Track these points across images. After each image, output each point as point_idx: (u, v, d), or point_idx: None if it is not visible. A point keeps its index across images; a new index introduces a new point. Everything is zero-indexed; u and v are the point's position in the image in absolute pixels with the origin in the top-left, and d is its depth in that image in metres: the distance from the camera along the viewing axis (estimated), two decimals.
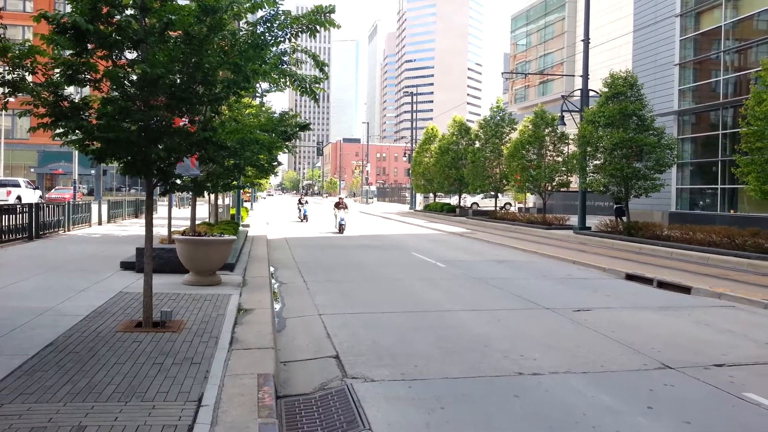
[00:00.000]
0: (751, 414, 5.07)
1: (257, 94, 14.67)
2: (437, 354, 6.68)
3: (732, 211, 25.27)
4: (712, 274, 13.39)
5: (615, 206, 24.90)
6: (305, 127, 14.41)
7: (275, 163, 18.90)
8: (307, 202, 33.50)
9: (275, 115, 15.18)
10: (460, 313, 8.87)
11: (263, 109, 15.94)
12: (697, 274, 13.12)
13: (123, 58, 6.53)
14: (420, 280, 12.02)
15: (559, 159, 28.82)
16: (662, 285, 11.81)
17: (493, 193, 36.60)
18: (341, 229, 24.35)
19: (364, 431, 4.55)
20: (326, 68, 8.48)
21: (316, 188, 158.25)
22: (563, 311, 9.15)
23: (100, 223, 22.59)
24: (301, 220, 31.82)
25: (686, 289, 11.18)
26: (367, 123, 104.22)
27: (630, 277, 12.82)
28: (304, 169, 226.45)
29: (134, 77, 6.44)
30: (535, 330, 7.91)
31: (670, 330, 8.07)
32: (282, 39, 6.93)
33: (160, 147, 6.52)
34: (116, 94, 6.55)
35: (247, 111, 14.79)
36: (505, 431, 4.60)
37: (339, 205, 25.79)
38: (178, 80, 6.53)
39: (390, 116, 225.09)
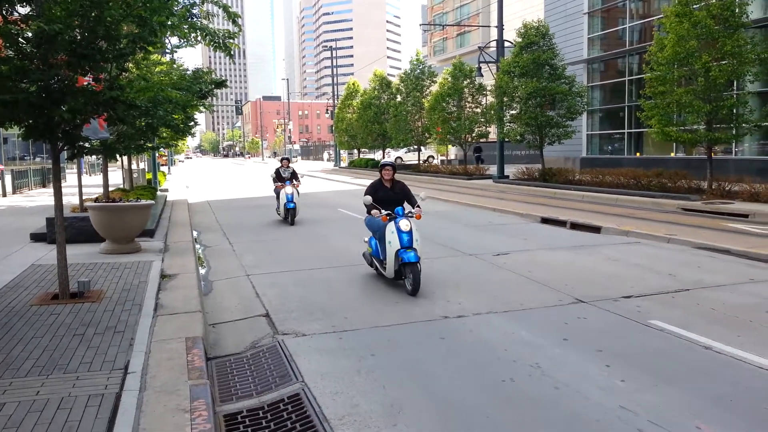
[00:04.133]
0: (656, 338, 5.54)
1: (167, 51, 13.95)
2: (366, 305, 6.83)
3: (638, 154, 26.80)
4: (621, 213, 14.27)
5: (475, 155, 27.29)
6: (221, 84, 13.91)
7: (191, 123, 18.18)
8: (294, 177, 14.59)
9: (188, 72, 14.52)
10: None
11: (175, 66, 15.20)
12: (606, 215, 13.94)
13: (15, 13, 6.02)
14: (348, 236, 12.10)
15: (478, 110, 29.35)
16: (575, 226, 12.51)
17: (416, 146, 36.95)
18: (409, 278, 7.14)
19: (298, 383, 4.63)
20: (239, 20, 8.16)
21: (237, 149, 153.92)
22: (484, 256, 9.53)
23: (4, 194, 21.10)
24: (285, 218, 14.21)
25: (596, 229, 11.90)
26: (287, 79, 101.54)
27: (545, 221, 13.47)
28: (223, 129, 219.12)
29: (30, 34, 5.96)
30: (460, 276, 8.21)
31: (582, 267, 8.60)
32: None
33: (64, 108, 6.12)
34: (11, 53, 6.04)
35: (157, 69, 14.07)
36: (432, 370, 4.82)
37: (383, 188, 7.96)
38: (79, 36, 6.10)
39: (310, 72, 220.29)
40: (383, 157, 43.62)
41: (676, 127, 16.87)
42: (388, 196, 7.82)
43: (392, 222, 7.35)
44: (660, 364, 4.87)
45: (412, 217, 7.50)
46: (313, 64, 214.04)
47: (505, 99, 23.57)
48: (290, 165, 15.18)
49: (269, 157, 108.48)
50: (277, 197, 14.63)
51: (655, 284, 7.48)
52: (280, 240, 11.81)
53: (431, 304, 6.74)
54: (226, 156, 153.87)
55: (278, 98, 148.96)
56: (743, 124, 16.12)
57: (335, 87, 56.60)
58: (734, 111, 16.08)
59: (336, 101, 52.78)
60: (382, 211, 7.50)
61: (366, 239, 8.41)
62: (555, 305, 6.64)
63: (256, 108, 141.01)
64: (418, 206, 7.74)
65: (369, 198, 7.62)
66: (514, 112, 23.58)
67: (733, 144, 20.81)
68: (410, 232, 7.22)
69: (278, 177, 14.69)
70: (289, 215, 13.72)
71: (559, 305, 6.63)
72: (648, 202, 16.03)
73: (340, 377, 4.71)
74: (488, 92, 28.54)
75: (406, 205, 7.77)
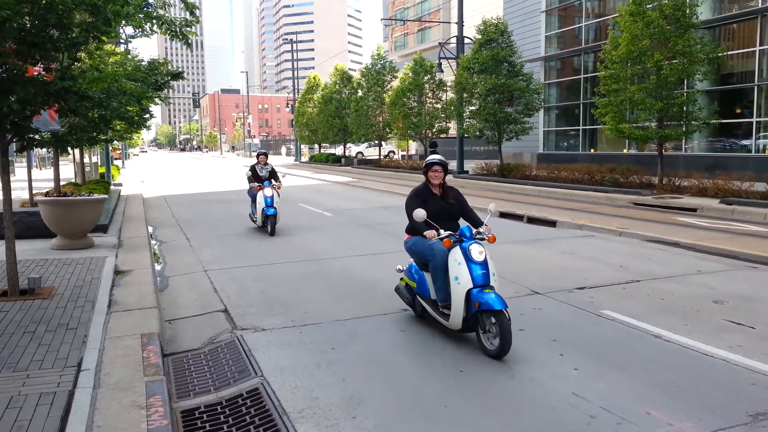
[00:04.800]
0: (608, 328, 5.72)
1: (121, 41, 13.59)
2: (327, 299, 6.83)
3: (592, 150, 27.47)
4: (575, 208, 14.63)
5: (430, 149, 28.31)
6: (178, 75, 13.65)
7: (147, 116, 17.75)
8: (274, 176, 12.24)
9: (143, 63, 14.18)
10: (348, 259, 9.06)
11: (129, 57, 14.82)
12: (561, 209, 14.27)
13: None
14: (308, 231, 12.05)
15: (438, 106, 29.59)
16: (531, 220, 12.79)
17: (377, 141, 37.00)
18: (491, 332, 4.98)
19: (257, 378, 4.60)
20: (197, 11, 8.01)
21: (194, 143, 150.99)
22: None
23: None
24: (262, 226, 11.71)
25: (552, 223, 12.19)
26: (246, 72, 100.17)
27: (503, 215, 13.71)
28: (180, 122, 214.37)
29: None
30: None
31: (538, 260, 8.79)
32: None
33: (13, 99, 5.90)
34: None
35: (111, 59, 13.70)
36: (392, 362, 4.86)
37: (432, 196, 5.82)
38: (29, 24, 5.88)
39: (270, 65, 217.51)
40: (344, 152, 43.43)
41: (628, 124, 17.37)
42: (441, 208, 5.60)
43: (458, 247, 5.11)
44: (612, 352, 5.03)
45: (484, 240, 5.28)
46: (273, 57, 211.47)
47: (465, 95, 23.84)
48: (268, 162, 12.66)
49: (228, 151, 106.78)
50: (253, 201, 11.99)
51: (607, 276, 7.70)
52: (239, 235, 11.67)
53: (391, 297, 6.77)
54: (183, 150, 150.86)
55: (237, 91, 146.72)
56: (692, 122, 16.73)
57: (296, 81, 56.10)
58: (684, 109, 16.66)
59: (296, 95, 52.31)
60: (442, 231, 5.26)
61: (401, 267, 6.20)
62: (512, 297, 6.76)
63: (214, 101, 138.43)
64: (485, 224, 5.51)
65: (422, 213, 5.20)
66: (473, 108, 23.87)
67: (683, 141, 21.58)
68: (485, 264, 5.03)
69: (254, 176, 12.13)
70: (269, 223, 11.33)
71: (515, 297, 6.77)
72: (601, 197, 16.47)
73: (300, 371, 4.70)
74: (448, 88, 28.81)
75: (463, 221, 5.71)
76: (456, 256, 5.09)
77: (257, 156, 12.68)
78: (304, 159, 52.39)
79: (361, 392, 4.29)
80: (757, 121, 20.16)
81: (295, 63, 56.98)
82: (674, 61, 16.17)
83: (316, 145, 49.89)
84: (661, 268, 8.12)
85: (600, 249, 9.62)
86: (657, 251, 9.38)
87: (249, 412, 4.07)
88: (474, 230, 5.36)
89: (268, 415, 3.99)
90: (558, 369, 4.66)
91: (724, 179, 14.88)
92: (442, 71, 29.23)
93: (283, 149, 77.64)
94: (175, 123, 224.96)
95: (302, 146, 54.06)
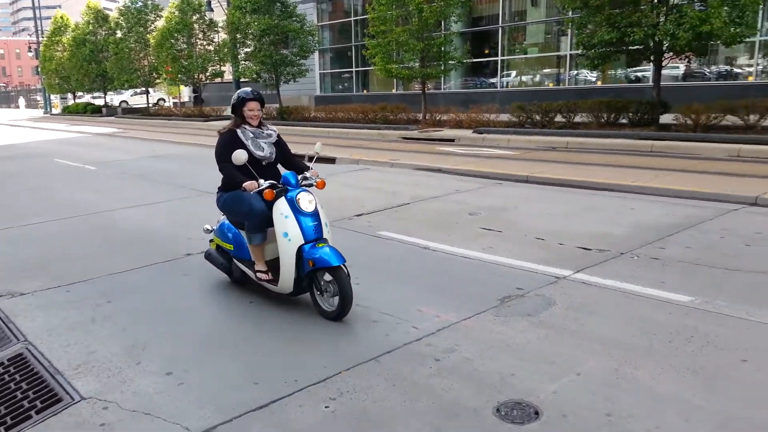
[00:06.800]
0: (384, 245, 6.23)
1: None
2: (100, 254, 6.30)
3: (365, 91, 28.68)
4: (352, 145, 15.31)
5: (194, 95, 28.21)
6: None
7: None
8: (287, 158, 5.14)
9: None
10: (123, 211, 8.40)
11: None
12: (340, 147, 14.81)
13: None
14: (69, 186, 10.84)
15: (211, 48, 28.12)
16: (312, 159, 13.07)
17: (143, 88, 34.04)
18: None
19: (20, 344, 4.13)
20: None
21: None
22: None
23: None
24: (292, 292, 4.40)
25: (332, 160, 12.67)
26: None
27: None
28: None
29: None
30: (202, 214, 8.00)
31: (320, 194, 9.02)
32: None
33: None
34: None
35: None
36: (176, 305, 4.72)
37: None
38: None
39: (4, 3, 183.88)
40: (105, 101, 39.19)
41: (396, 64, 18.41)
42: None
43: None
44: (388, 266, 5.51)
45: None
46: None
47: (239, 36, 22.97)
48: (265, 123, 5.11)
49: None
50: (256, 229, 4.52)
51: (381, 202, 8.29)
52: None
53: (172, 242, 6.51)
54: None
55: None
56: (449, 61, 18.31)
57: (39, 21, 48.38)
58: (442, 49, 18.12)
59: (41, 38, 45.29)
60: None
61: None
62: None
63: None
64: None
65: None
66: (248, 49, 23.15)
67: (442, 79, 23.55)
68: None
69: (252, 161, 4.60)
70: (334, 290, 4.22)
71: None
72: (374, 134, 17.45)
73: (71, 329, 4.33)
74: (220, 29, 27.42)
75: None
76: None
77: (234, 106, 4.83)
78: (56, 111, 46.06)
79: (146, 339, 4.11)
80: (501, 60, 22.84)
81: (36, 1, 48.93)
82: (433, 4, 17.38)
83: (70, 95, 44.16)
84: (427, 191, 8.98)
85: (375, 180, 10.27)
86: (424, 177, 10.31)
87: (14, 378, 3.67)
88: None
89: (38, 377, 3.63)
90: None
91: (476, 112, 16.72)
92: (212, 10, 27.69)
93: (21, 101, 66.11)
94: None
95: (52, 96, 47.32)
